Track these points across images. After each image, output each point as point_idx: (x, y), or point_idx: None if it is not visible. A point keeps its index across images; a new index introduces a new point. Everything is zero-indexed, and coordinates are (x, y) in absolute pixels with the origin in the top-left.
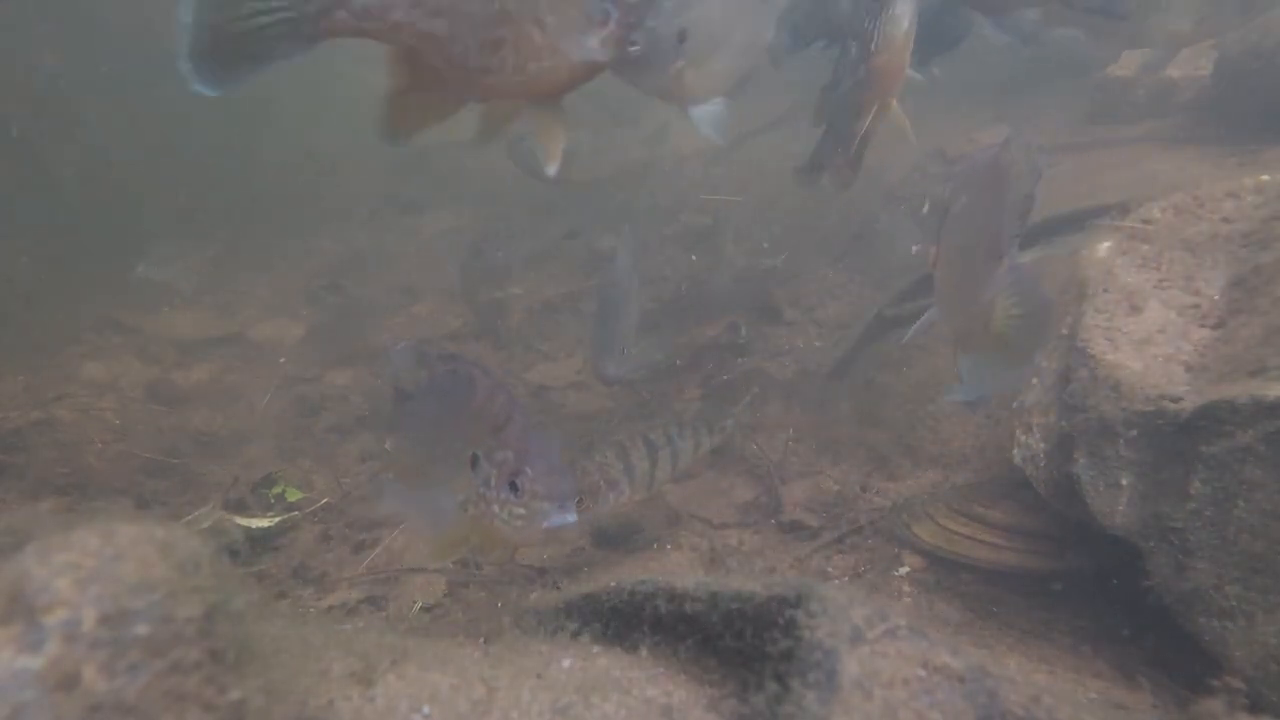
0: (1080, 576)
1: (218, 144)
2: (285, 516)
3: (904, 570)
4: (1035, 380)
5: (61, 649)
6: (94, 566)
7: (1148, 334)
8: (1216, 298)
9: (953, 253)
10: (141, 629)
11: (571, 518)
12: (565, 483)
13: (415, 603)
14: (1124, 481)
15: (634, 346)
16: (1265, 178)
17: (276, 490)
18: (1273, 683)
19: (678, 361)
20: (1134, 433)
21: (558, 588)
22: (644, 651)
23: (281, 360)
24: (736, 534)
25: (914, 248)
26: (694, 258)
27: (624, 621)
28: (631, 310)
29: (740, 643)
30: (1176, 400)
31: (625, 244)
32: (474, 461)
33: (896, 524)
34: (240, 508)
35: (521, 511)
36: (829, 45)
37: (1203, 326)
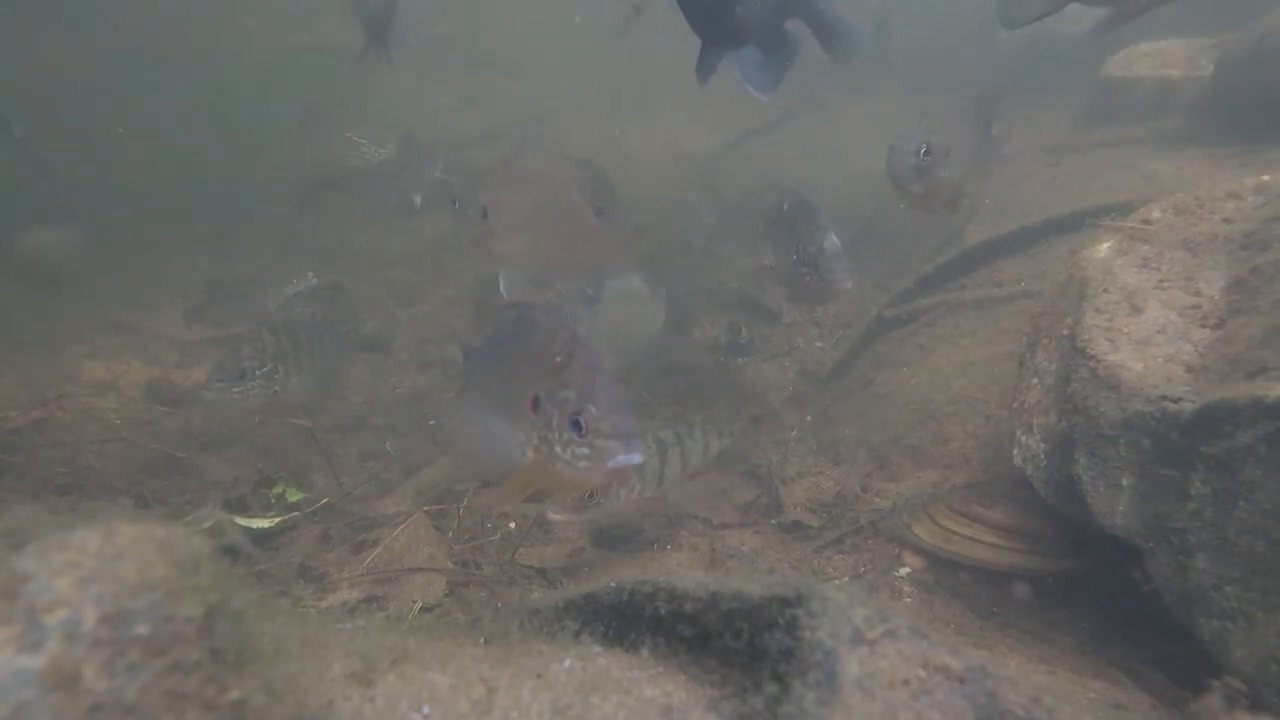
0: (1080, 576)
1: (218, 143)
2: (285, 516)
3: (904, 570)
4: (1035, 380)
5: (62, 648)
6: (94, 566)
7: (1148, 334)
8: (1217, 298)
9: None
10: (142, 628)
11: (638, 457)
12: (631, 421)
13: (415, 603)
14: (1124, 482)
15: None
16: (1266, 178)
17: (276, 490)
18: (1273, 683)
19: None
20: (1134, 433)
21: (558, 588)
22: (644, 651)
23: None
24: (736, 534)
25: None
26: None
27: (624, 621)
28: None
29: (740, 643)
30: (1177, 401)
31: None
32: (535, 403)
33: (896, 524)
34: (240, 508)
35: (585, 451)
36: None
37: (1203, 327)
